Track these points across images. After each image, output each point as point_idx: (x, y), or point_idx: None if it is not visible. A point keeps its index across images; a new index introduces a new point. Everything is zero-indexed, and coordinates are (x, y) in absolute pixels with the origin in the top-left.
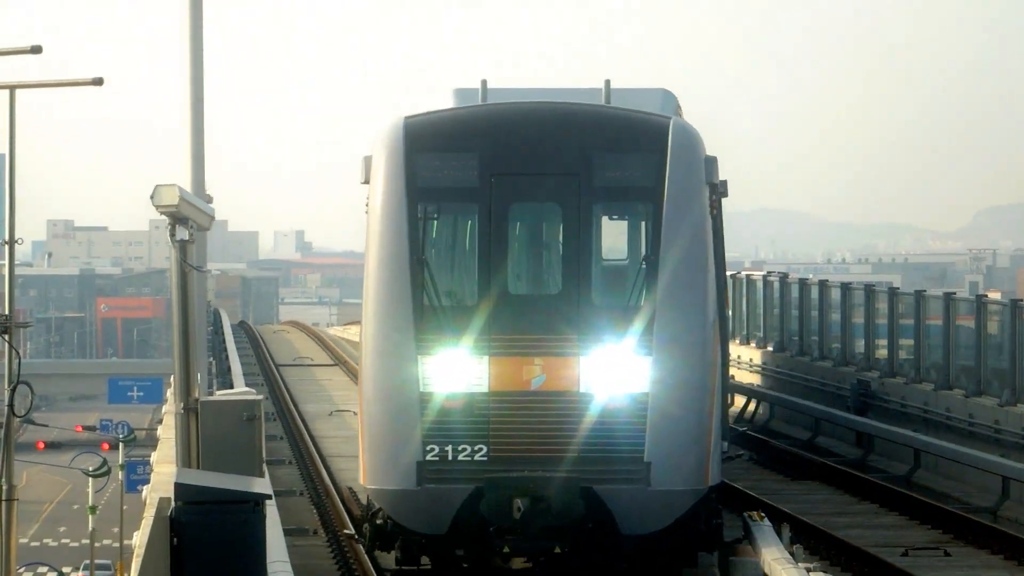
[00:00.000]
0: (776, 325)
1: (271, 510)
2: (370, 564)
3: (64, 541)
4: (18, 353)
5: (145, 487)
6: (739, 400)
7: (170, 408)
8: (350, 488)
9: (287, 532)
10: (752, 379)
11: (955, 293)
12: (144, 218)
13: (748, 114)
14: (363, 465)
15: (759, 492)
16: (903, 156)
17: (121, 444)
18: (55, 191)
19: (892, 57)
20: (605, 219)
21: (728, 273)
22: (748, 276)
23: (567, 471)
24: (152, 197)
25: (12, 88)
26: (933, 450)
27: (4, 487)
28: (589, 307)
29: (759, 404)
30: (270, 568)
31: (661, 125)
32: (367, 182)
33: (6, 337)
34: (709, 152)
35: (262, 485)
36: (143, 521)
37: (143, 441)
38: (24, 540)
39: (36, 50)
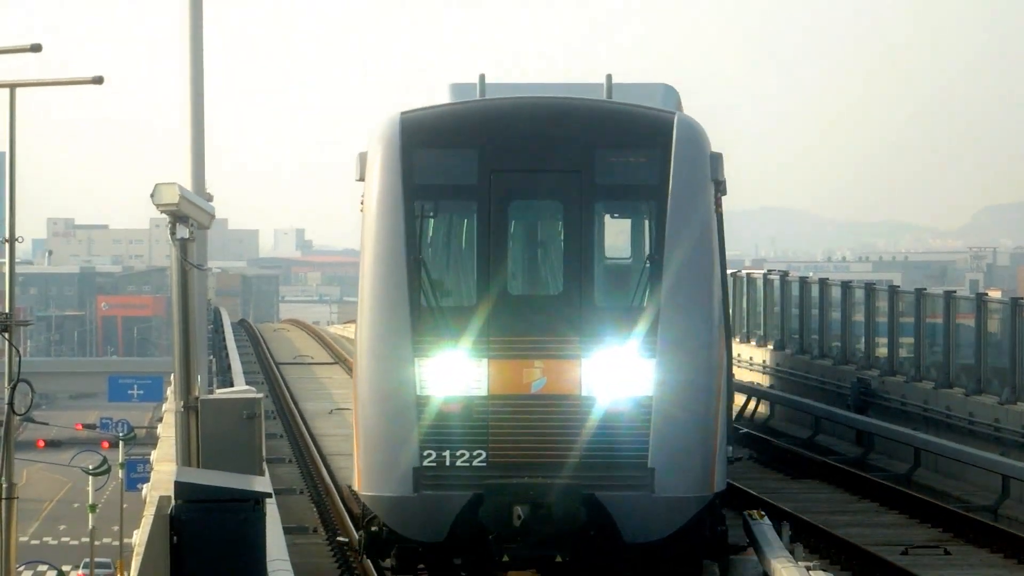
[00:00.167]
0: (776, 323)
1: (271, 508)
2: (370, 563)
3: (64, 539)
4: (18, 351)
5: (145, 485)
6: (739, 399)
7: (170, 406)
8: (350, 487)
9: (287, 530)
10: (752, 378)
11: (955, 291)
12: (144, 216)
13: (748, 113)
14: (358, 471)
15: (759, 491)
16: (903, 155)
17: (121, 442)
18: (55, 189)
19: (892, 56)
20: (608, 217)
21: (728, 272)
22: (748, 275)
23: (568, 477)
24: (152, 195)
25: (12, 87)
26: (933, 448)
27: (4, 485)
28: (591, 308)
29: (759, 403)
30: (270, 567)
31: (665, 120)
32: (362, 179)
33: (6, 335)
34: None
35: (262, 483)
36: (143, 519)
37: (143, 439)
38: (24, 538)
39: (36, 48)
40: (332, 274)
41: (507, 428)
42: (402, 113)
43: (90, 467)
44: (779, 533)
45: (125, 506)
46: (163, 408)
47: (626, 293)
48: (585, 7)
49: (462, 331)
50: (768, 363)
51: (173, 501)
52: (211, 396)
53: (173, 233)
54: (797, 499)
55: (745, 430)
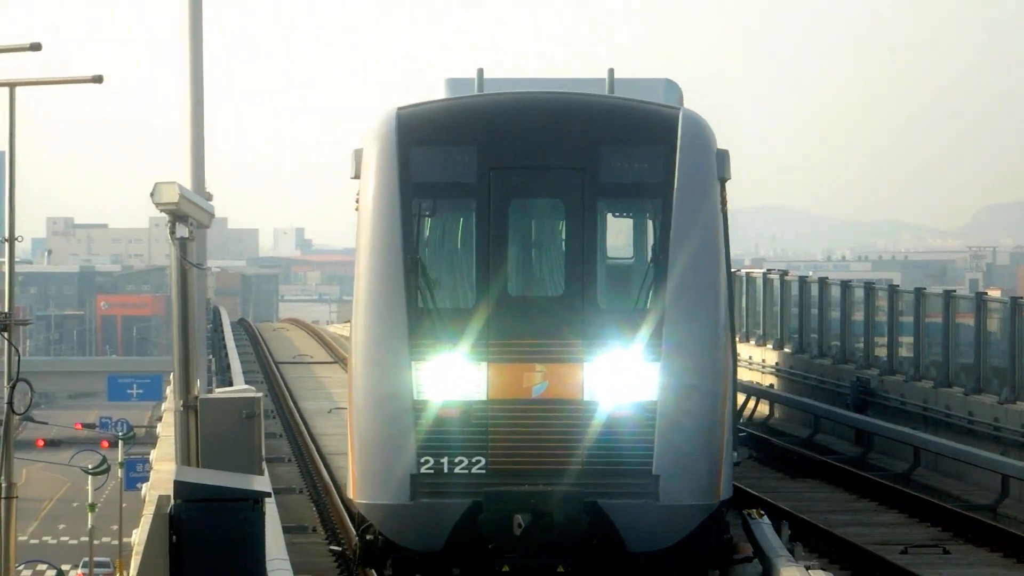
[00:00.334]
0: (775, 323)
1: (270, 508)
2: (369, 572)
3: (63, 539)
4: (18, 350)
5: (144, 485)
6: (739, 398)
7: (169, 406)
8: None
9: (286, 530)
10: (751, 377)
11: (955, 291)
12: (144, 215)
13: (749, 112)
14: (353, 478)
15: (758, 490)
16: (903, 154)
17: (120, 442)
18: (55, 188)
19: (893, 56)
20: (611, 216)
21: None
22: (748, 274)
23: (570, 485)
24: (152, 195)
25: (12, 85)
26: (932, 448)
27: (3, 485)
28: (594, 310)
29: (758, 402)
30: (269, 566)
31: (670, 116)
32: (358, 177)
33: (6, 335)
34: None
35: (261, 483)
36: (142, 519)
37: (142, 439)
38: (23, 538)
39: (36, 47)
40: (332, 273)
41: (507, 434)
42: (398, 108)
43: (89, 466)
44: (779, 532)
45: (124, 505)
46: (162, 407)
47: (630, 295)
48: (584, 7)
49: (460, 334)
50: (767, 362)
51: (172, 500)
52: (210, 395)
53: (173, 232)
54: (796, 498)
55: (745, 431)
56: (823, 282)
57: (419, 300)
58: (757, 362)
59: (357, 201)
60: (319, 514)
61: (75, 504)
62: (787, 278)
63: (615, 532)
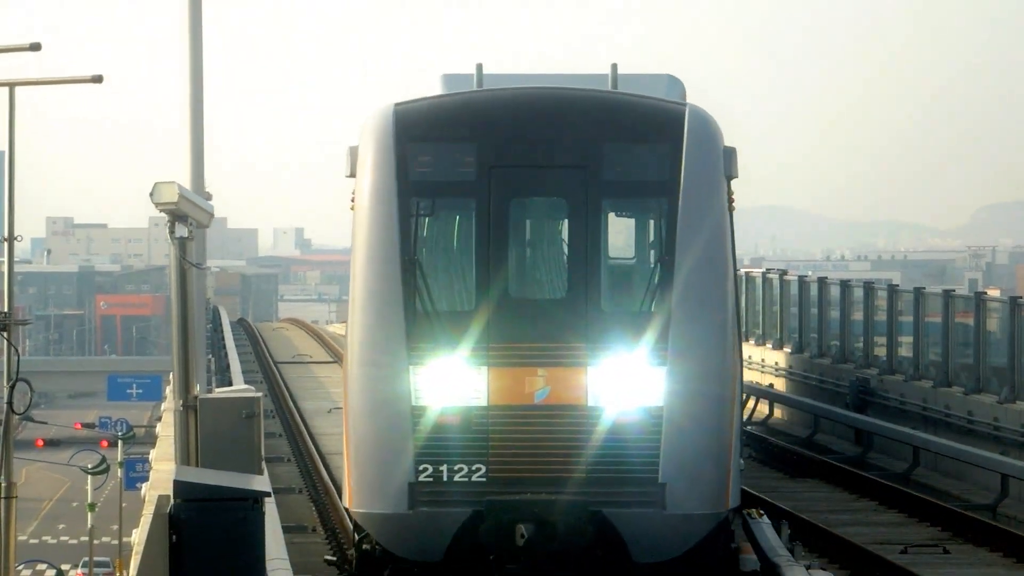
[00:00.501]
0: (774, 322)
1: (270, 507)
2: None
3: (63, 539)
4: (17, 350)
5: (144, 484)
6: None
7: (169, 405)
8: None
9: (286, 529)
10: (750, 376)
11: (954, 290)
12: (143, 215)
13: (748, 112)
14: (349, 487)
15: (758, 489)
16: (903, 154)
17: (120, 441)
18: (54, 188)
19: (893, 55)
20: (615, 216)
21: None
22: (747, 273)
23: (574, 493)
24: (151, 194)
25: (11, 85)
26: (932, 447)
27: (3, 484)
28: (598, 312)
29: (757, 401)
30: (269, 566)
31: (676, 112)
32: (353, 175)
33: (5, 334)
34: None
35: (261, 482)
36: (142, 518)
37: (142, 438)
38: (23, 537)
39: (35, 47)
40: (331, 273)
41: (508, 441)
42: (395, 104)
43: (89, 466)
44: (778, 532)
45: (124, 505)
46: (162, 407)
47: (635, 297)
48: (584, 6)
49: (460, 337)
50: (766, 362)
51: (172, 500)
52: (210, 395)
53: (172, 232)
54: (796, 498)
55: (745, 431)
56: (822, 282)
57: (417, 302)
58: (756, 362)
59: (352, 200)
60: (319, 514)
61: (75, 504)
62: (786, 278)
63: (620, 542)
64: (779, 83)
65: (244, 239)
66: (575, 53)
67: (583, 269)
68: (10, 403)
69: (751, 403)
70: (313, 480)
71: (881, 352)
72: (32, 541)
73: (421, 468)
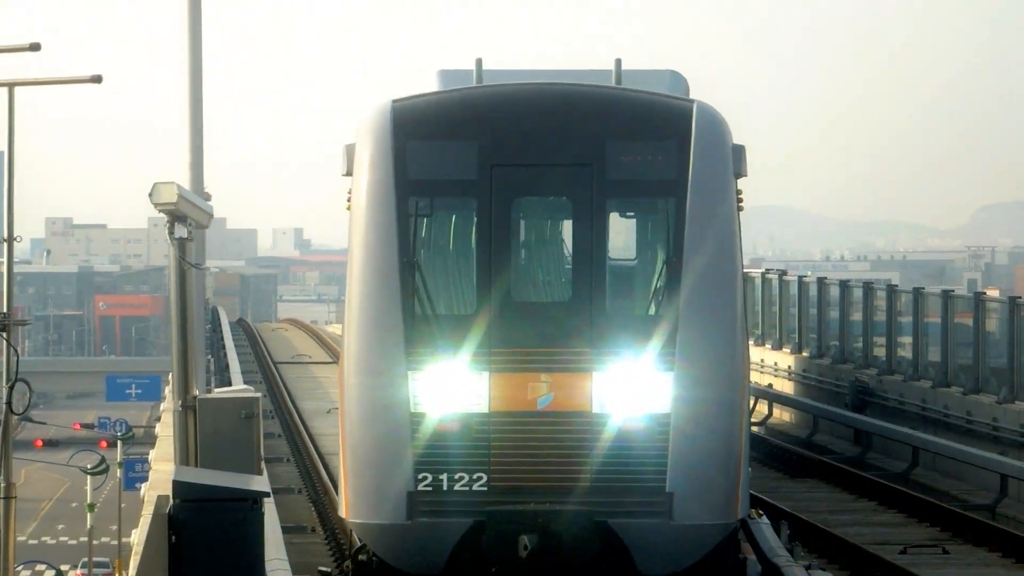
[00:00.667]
0: (773, 322)
1: (269, 508)
2: None
3: (62, 539)
4: (16, 351)
5: (143, 485)
6: None
7: (168, 406)
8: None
9: (285, 530)
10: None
11: (953, 291)
12: (143, 216)
13: (748, 111)
14: (345, 496)
15: (757, 490)
16: (902, 153)
17: (119, 442)
18: (54, 188)
19: (892, 55)
20: (621, 216)
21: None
22: (746, 273)
23: (579, 502)
24: (151, 195)
25: (11, 85)
26: (931, 448)
27: (3, 485)
28: (603, 316)
29: (756, 401)
30: (268, 566)
31: (683, 109)
32: (349, 174)
33: (4, 335)
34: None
35: (260, 483)
36: (141, 519)
37: (141, 439)
38: (22, 538)
39: (35, 47)
40: (330, 273)
41: (511, 448)
42: (393, 101)
43: (88, 466)
44: (778, 532)
45: (123, 505)
46: (161, 407)
47: (641, 300)
48: (584, 6)
49: (460, 341)
50: (765, 362)
51: (171, 500)
52: (209, 395)
53: (171, 232)
54: (795, 498)
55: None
56: (821, 282)
57: (416, 306)
58: (755, 362)
59: (349, 199)
60: (318, 514)
61: (74, 504)
62: (786, 278)
63: (626, 553)
64: (779, 83)
65: (243, 239)
66: (574, 52)
67: (587, 271)
68: (9, 403)
69: (750, 403)
70: (312, 480)
71: (880, 352)
72: (31, 542)
73: (420, 477)
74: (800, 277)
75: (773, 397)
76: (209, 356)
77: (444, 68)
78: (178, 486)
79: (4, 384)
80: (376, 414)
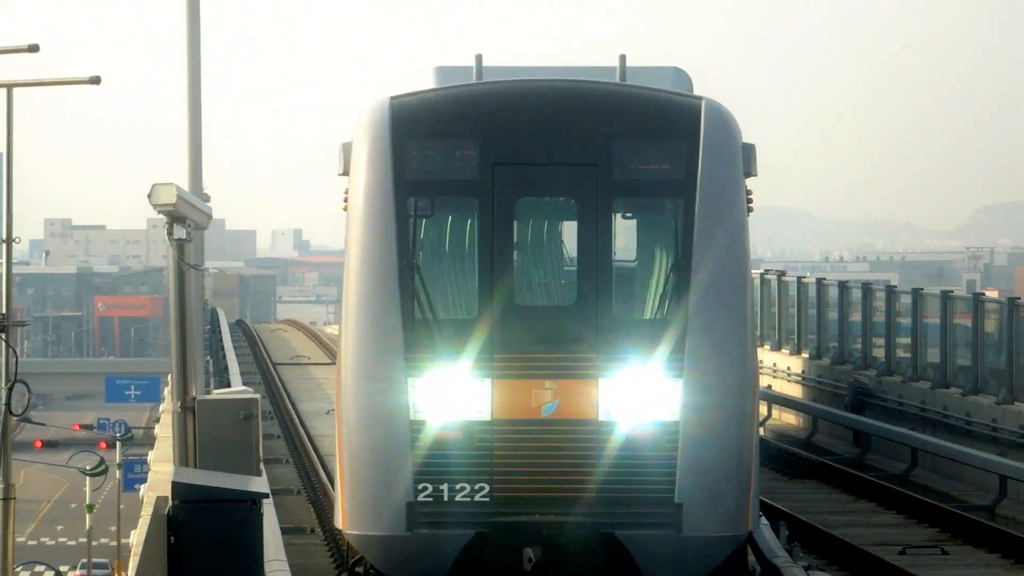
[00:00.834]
0: (772, 323)
1: (268, 508)
2: None
3: (61, 540)
4: (15, 352)
5: (142, 486)
6: None
7: (167, 407)
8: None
9: (284, 530)
10: None
11: (952, 291)
12: (142, 217)
13: (747, 112)
14: (342, 507)
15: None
16: (902, 154)
17: (118, 443)
18: (53, 190)
19: (892, 56)
20: (627, 217)
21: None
22: None
23: (585, 514)
24: (150, 196)
25: (10, 87)
26: (930, 448)
27: (2, 486)
28: (609, 320)
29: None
30: (267, 567)
31: (691, 106)
32: (346, 173)
33: (3, 336)
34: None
35: (259, 484)
36: (140, 520)
37: (140, 440)
38: (21, 539)
39: (33, 49)
40: (329, 274)
41: (514, 458)
42: (391, 98)
43: (87, 467)
44: (777, 533)
45: (122, 506)
46: (160, 408)
47: (649, 303)
48: (583, 6)
49: (462, 347)
50: (764, 363)
51: (170, 501)
52: (208, 396)
53: (170, 233)
54: (795, 499)
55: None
56: (820, 283)
57: (416, 310)
58: None
59: (346, 200)
60: (317, 515)
61: (73, 505)
62: (785, 279)
63: (634, 566)
64: (778, 83)
65: (242, 240)
66: (572, 50)
67: (593, 274)
68: (8, 405)
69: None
70: (311, 481)
71: (879, 353)
72: (30, 542)
73: (420, 487)
74: (799, 278)
75: (772, 398)
76: (208, 357)
77: (441, 65)
78: (177, 487)
79: (3, 385)
80: (374, 422)
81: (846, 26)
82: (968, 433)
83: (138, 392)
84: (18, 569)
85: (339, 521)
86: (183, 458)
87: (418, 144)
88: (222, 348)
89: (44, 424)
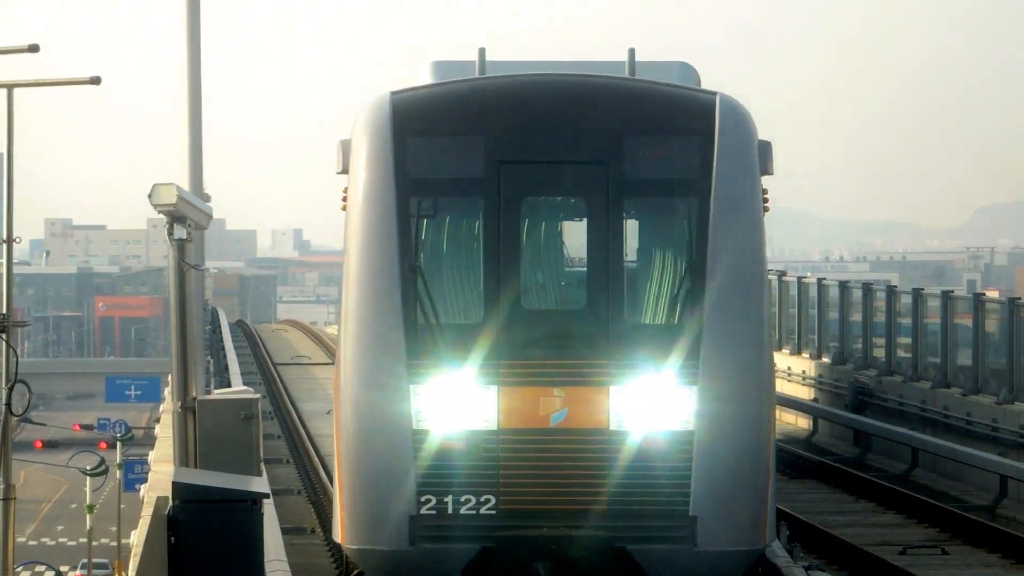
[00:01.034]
0: (773, 323)
1: (269, 509)
2: None
3: (62, 540)
4: (15, 352)
5: (143, 486)
6: None
7: (168, 407)
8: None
9: (285, 531)
10: None
11: (953, 291)
12: (142, 217)
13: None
14: (341, 520)
15: None
16: (902, 154)
17: (119, 443)
18: (53, 190)
19: (892, 55)
20: (639, 217)
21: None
22: None
23: (595, 527)
24: (150, 196)
25: (10, 87)
26: (931, 448)
27: (2, 486)
28: (621, 325)
29: None
30: (268, 567)
31: (706, 102)
32: (345, 172)
33: (3, 336)
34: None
35: (260, 484)
36: (141, 520)
37: (141, 440)
38: (22, 539)
39: (34, 49)
40: (330, 274)
41: (521, 469)
42: (392, 93)
43: (88, 468)
44: (777, 533)
45: (123, 507)
46: (161, 409)
47: (662, 307)
48: (584, 6)
49: (466, 353)
50: None
51: (171, 501)
52: (209, 397)
53: (171, 233)
54: (795, 499)
55: None
56: (821, 283)
57: (418, 314)
58: None
59: (345, 199)
60: (317, 515)
61: (73, 505)
62: (785, 279)
63: None
64: (777, 83)
65: (243, 240)
66: (569, 47)
67: (603, 276)
68: (8, 405)
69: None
70: (312, 481)
71: (880, 353)
72: (31, 543)
73: (423, 499)
74: (799, 278)
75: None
76: (209, 357)
77: (438, 60)
78: (177, 487)
79: (3, 385)
80: (375, 432)
81: (846, 26)
82: (968, 433)
83: (138, 392)
84: (18, 569)
85: (338, 535)
86: (183, 458)
87: (421, 141)
88: (223, 348)
89: (44, 424)
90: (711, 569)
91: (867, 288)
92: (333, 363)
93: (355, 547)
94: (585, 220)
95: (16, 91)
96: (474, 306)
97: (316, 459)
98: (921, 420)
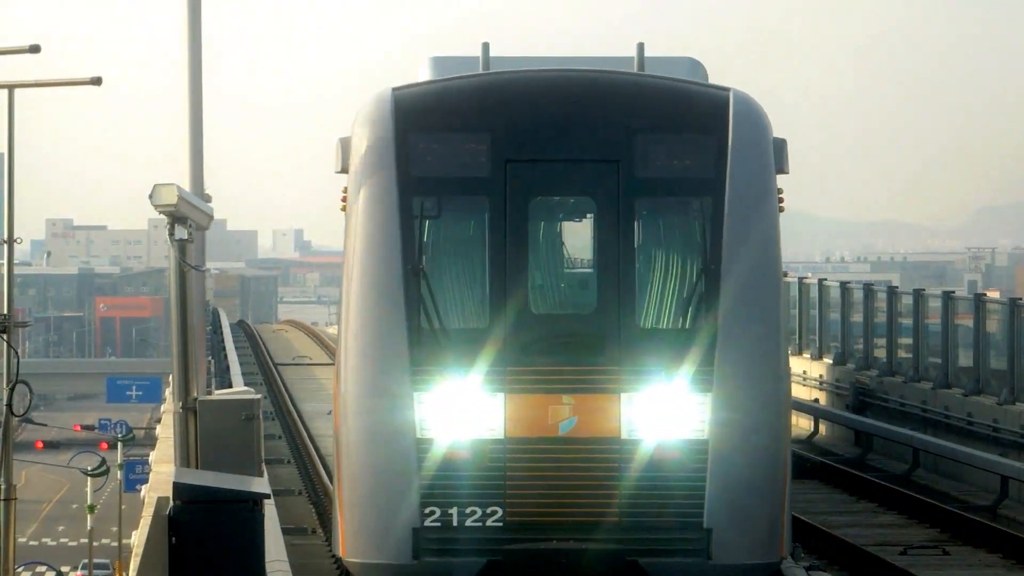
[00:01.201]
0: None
1: (270, 509)
2: None
3: (63, 540)
4: (16, 352)
5: (143, 486)
6: None
7: (169, 407)
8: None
9: (286, 531)
10: None
11: (954, 292)
12: (143, 217)
13: None
14: (342, 532)
15: None
16: (902, 154)
17: (120, 443)
18: (54, 190)
19: (892, 55)
20: (651, 218)
21: None
22: None
23: (606, 540)
24: (151, 196)
25: (11, 88)
26: (932, 449)
27: (3, 486)
28: (633, 330)
29: None
30: (269, 567)
31: (719, 98)
32: (345, 171)
33: (5, 337)
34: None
35: (261, 484)
36: (141, 520)
37: (142, 440)
38: (23, 539)
39: (35, 49)
40: (331, 275)
41: (529, 479)
42: (394, 89)
43: (89, 468)
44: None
45: (123, 507)
46: (161, 409)
47: (675, 311)
48: (586, 7)
49: (472, 359)
50: None
51: (172, 502)
52: (210, 397)
53: (172, 234)
54: (796, 499)
55: None
56: (822, 283)
57: (422, 318)
58: None
59: (345, 199)
60: (318, 516)
61: (74, 506)
62: (786, 279)
63: None
64: (777, 83)
65: (243, 241)
66: (566, 46)
67: (614, 280)
68: (10, 405)
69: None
70: (313, 482)
71: (881, 354)
72: (32, 543)
73: (427, 511)
74: (800, 278)
75: None
76: (210, 358)
77: (437, 55)
78: (178, 488)
79: (4, 386)
80: (377, 441)
81: (847, 25)
82: (969, 433)
83: (139, 393)
84: (19, 569)
85: (339, 548)
86: (184, 459)
87: (424, 138)
88: (224, 348)
89: (45, 425)
90: None
91: (868, 289)
92: (334, 363)
93: (357, 561)
94: (595, 221)
95: (17, 91)
96: (480, 310)
97: (317, 459)
98: (922, 420)
